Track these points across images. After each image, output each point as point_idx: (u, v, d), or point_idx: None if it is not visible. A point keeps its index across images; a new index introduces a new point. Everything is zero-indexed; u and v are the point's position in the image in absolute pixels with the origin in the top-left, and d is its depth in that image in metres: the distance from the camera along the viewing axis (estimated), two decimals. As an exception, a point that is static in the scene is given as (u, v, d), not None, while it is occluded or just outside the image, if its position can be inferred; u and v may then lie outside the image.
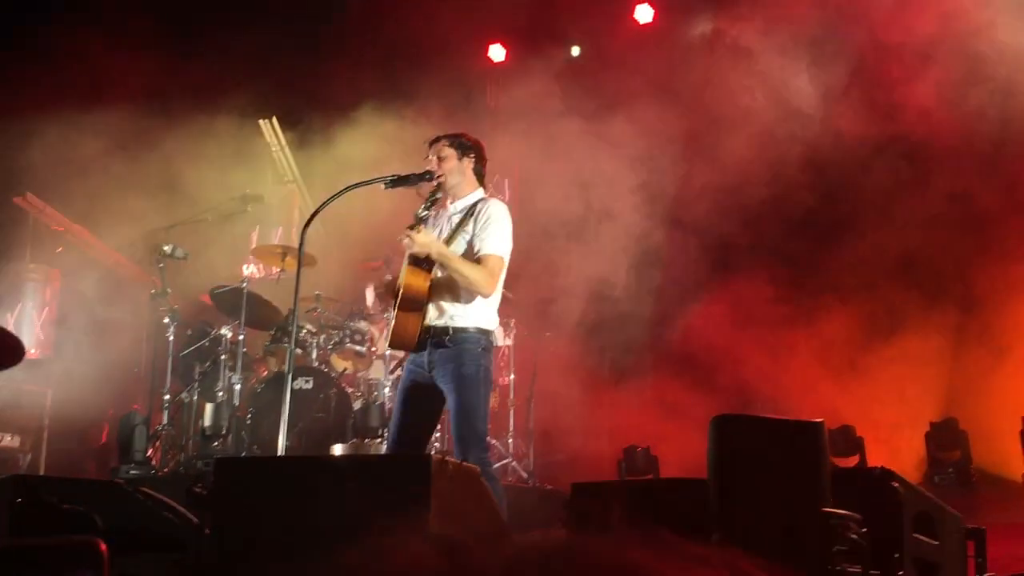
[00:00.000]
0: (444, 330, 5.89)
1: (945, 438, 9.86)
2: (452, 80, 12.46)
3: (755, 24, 11.40)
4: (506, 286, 6.22)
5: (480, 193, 6.24)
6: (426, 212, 5.82)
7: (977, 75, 10.33)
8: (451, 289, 5.92)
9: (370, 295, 6.70)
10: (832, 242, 11.47)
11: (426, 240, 5.69)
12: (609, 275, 11.26)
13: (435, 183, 5.97)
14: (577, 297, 11.29)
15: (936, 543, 4.43)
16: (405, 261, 5.89)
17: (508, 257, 6.05)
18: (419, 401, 5.98)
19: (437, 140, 6.22)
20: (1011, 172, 10.67)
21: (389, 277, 7.08)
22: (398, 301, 5.84)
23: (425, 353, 5.94)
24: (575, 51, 13.15)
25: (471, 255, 5.90)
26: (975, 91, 10.37)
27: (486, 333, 5.98)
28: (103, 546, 3.24)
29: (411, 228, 5.69)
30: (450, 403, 5.85)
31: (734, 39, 11.57)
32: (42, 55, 10.83)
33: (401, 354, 8.99)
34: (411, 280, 5.81)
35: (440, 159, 6.11)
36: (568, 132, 11.63)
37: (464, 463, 5.01)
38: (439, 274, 5.90)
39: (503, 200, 6.35)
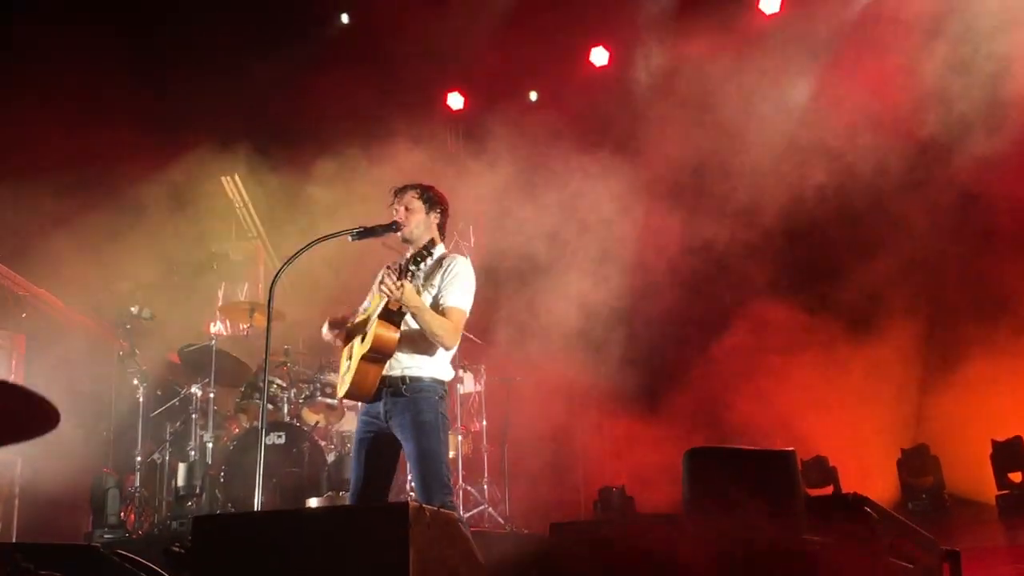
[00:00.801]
0: (401, 379, 5.90)
1: (917, 464, 9.94)
2: (412, 128, 12.53)
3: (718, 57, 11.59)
4: (476, 332, 6.25)
5: (442, 248, 6.29)
6: (415, 267, 5.82)
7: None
8: (412, 341, 5.93)
9: (325, 328, 6.65)
10: (801, 276, 11.57)
11: (409, 291, 5.71)
12: (577, 317, 11.30)
13: (428, 242, 5.94)
14: (546, 341, 11.32)
15: (911, 566, 4.47)
16: (376, 312, 5.89)
17: (469, 311, 6.09)
18: (376, 452, 5.97)
19: (404, 190, 6.23)
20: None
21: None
22: (365, 351, 5.83)
23: (380, 403, 5.95)
24: (533, 96, 13.27)
25: (436, 308, 5.93)
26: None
27: (442, 383, 6.01)
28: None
29: (398, 279, 5.69)
30: (409, 451, 5.83)
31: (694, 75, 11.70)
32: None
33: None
34: (382, 332, 5.80)
35: (408, 210, 6.13)
36: (530, 176, 11.72)
37: (441, 509, 5.01)
38: (403, 327, 5.91)
39: (468, 247, 6.39)
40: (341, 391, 6.08)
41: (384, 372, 5.90)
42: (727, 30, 11.56)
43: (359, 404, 8.76)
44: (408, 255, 5.97)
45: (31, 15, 11.11)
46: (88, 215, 11.08)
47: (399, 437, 5.86)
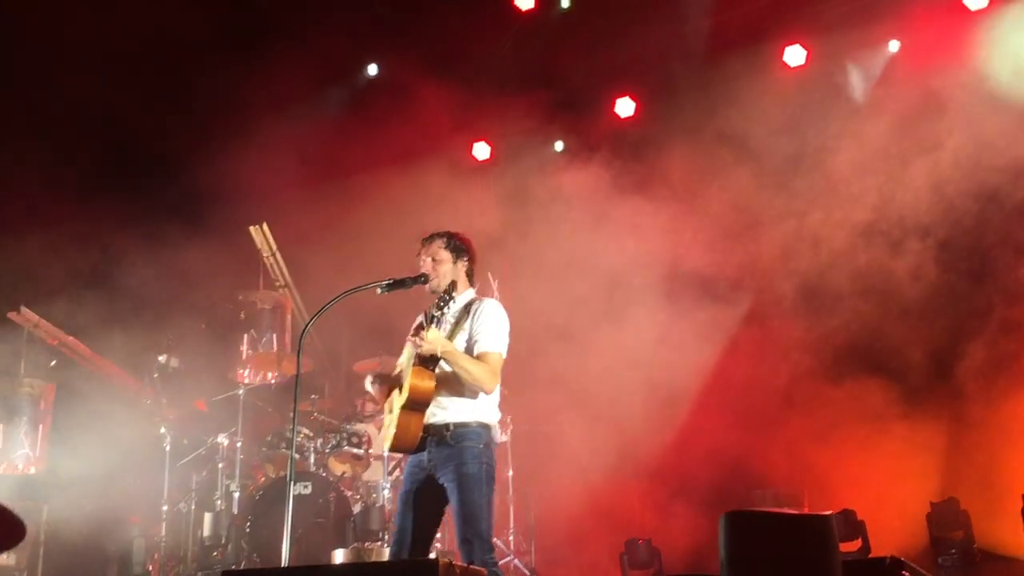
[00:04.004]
0: (445, 427, 5.90)
1: (947, 518, 9.82)
2: (438, 178, 12.61)
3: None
4: (502, 383, 6.24)
5: (472, 293, 6.32)
6: (439, 312, 5.85)
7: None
8: (451, 386, 5.94)
9: (368, 382, 6.65)
10: (822, 324, 11.53)
11: (435, 337, 5.72)
12: (604, 367, 11.29)
13: (449, 285, 5.98)
14: (572, 391, 11.29)
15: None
16: (410, 362, 5.91)
17: (505, 353, 6.09)
18: (422, 503, 5.95)
19: (431, 239, 6.29)
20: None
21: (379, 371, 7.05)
22: (404, 402, 5.84)
23: (425, 453, 5.94)
24: (559, 146, 13.31)
25: (470, 353, 5.94)
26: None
27: (488, 428, 5.98)
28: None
29: (420, 328, 5.73)
30: (452, 503, 5.82)
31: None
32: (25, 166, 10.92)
33: (399, 455, 9.00)
34: (417, 381, 5.81)
35: (436, 261, 6.18)
36: (558, 227, 11.77)
37: (471, 566, 5.00)
38: (438, 372, 5.92)
39: (494, 298, 6.40)
40: (387, 446, 6.08)
41: (427, 420, 5.90)
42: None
43: (387, 455, 8.79)
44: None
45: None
46: (117, 265, 11.18)
47: (445, 486, 5.84)
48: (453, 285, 6.00)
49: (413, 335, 5.86)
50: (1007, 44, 10.75)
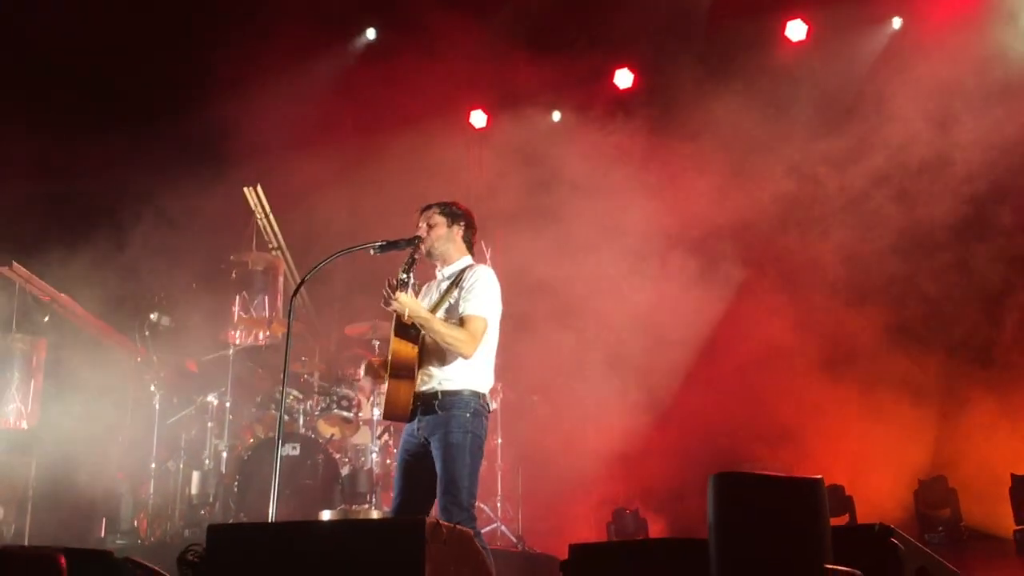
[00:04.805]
0: (433, 395, 5.87)
1: (934, 496, 9.88)
2: (435, 146, 12.57)
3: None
4: (497, 351, 6.19)
5: (468, 259, 6.27)
6: (406, 275, 5.79)
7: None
8: (439, 354, 5.90)
9: (363, 373, 6.64)
10: (820, 304, 11.53)
11: (405, 301, 5.68)
12: (596, 337, 11.29)
13: (413, 248, 5.96)
14: (563, 360, 11.30)
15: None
16: (392, 330, 5.89)
17: (495, 319, 6.04)
18: (416, 471, 5.91)
19: (428, 208, 6.25)
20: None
21: (376, 341, 7.06)
22: (389, 369, 5.83)
23: (416, 420, 5.92)
24: (556, 116, 13.26)
25: (455, 318, 5.91)
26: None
27: (478, 395, 5.92)
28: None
29: (390, 291, 5.68)
30: (437, 470, 5.79)
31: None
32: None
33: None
34: (398, 348, 5.81)
35: (430, 227, 6.15)
36: (552, 196, 11.74)
37: (458, 526, 4.99)
38: (426, 340, 5.89)
39: (488, 266, 6.36)
40: (380, 413, 6.05)
41: (417, 388, 5.88)
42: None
43: (375, 419, 8.76)
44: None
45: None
46: (109, 222, 11.13)
47: (433, 454, 5.82)
48: (417, 247, 5.95)
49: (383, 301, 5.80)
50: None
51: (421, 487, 5.91)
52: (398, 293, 5.66)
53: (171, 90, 11.88)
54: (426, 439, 5.85)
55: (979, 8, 11.06)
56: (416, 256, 5.90)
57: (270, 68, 12.04)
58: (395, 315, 5.82)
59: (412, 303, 5.74)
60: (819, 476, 3.90)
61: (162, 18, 11.93)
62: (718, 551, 3.86)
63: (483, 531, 9.26)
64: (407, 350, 5.81)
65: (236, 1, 12.09)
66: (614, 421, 11.27)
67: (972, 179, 10.77)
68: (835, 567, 3.70)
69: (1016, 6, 10.94)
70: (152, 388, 9.97)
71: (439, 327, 5.78)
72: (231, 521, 9.00)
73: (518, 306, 10.56)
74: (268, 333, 10.56)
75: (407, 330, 5.82)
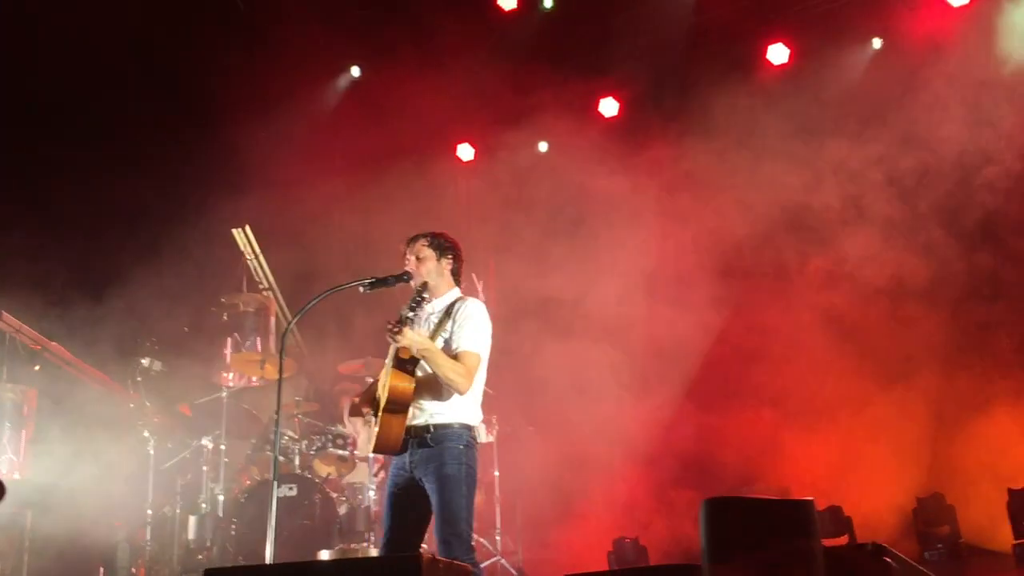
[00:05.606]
0: (425, 428, 5.87)
1: (933, 513, 9.84)
2: (422, 180, 12.62)
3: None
4: (487, 383, 6.20)
5: (456, 292, 6.27)
6: (412, 313, 5.80)
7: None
8: (432, 388, 5.91)
9: (347, 415, 6.60)
10: (815, 327, 11.54)
11: (412, 337, 5.69)
12: (588, 366, 11.29)
13: (420, 286, 5.95)
14: (557, 390, 11.29)
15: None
16: (388, 364, 5.88)
17: (486, 354, 6.05)
18: (406, 505, 5.91)
19: (415, 239, 6.24)
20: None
21: (369, 379, 7.05)
22: (384, 404, 5.81)
23: (407, 454, 5.91)
24: (543, 147, 13.32)
25: (449, 353, 5.91)
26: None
27: (469, 428, 5.94)
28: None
29: (395, 326, 5.68)
30: (433, 504, 5.78)
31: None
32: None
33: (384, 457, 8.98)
34: (396, 382, 5.79)
35: (419, 259, 6.14)
36: (540, 227, 11.77)
37: (455, 562, 4.98)
38: (419, 373, 5.89)
39: (479, 298, 6.37)
40: (370, 447, 6.02)
41: (408, 421, 5.87)
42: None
43: (372, 456, 8.75)
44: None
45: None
46: (97, 270, 11.13)
47: (425, 488, 5.81)
48: (425, 285, 5.94)
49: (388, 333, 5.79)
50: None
51: (410, 521, 5.92)
52: (404, 329, 5.66)
53: (158, 132, 11.89)
54: (417, 472, 5.85)
55: (957, 27, 11.12)
56: (425, 295, 5.90)
57: (255, 110, 12.09)
58: (394, 350, 5.82)
59: (419, 337, 5.75)
60: (810, 498, 3.90)
61: (150, 61, 11.98)
62: (713, 574, 3.86)
63: (483, 565, 9.27)
64: (405, 384, 5.80)
65: (223, 44, 12.11)
66: (612, 449, 11.25)
67: (952, 199, 10.83)
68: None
69: (994, 23, 11.02)
70: (146, 434, 9.96)
71: (441, 360, 5.78)
72: (229, 565, 8.97)
73: (510, 336, 10.61)
74: (261, 374, 10.55)
75: (405, 364, 5.82)
